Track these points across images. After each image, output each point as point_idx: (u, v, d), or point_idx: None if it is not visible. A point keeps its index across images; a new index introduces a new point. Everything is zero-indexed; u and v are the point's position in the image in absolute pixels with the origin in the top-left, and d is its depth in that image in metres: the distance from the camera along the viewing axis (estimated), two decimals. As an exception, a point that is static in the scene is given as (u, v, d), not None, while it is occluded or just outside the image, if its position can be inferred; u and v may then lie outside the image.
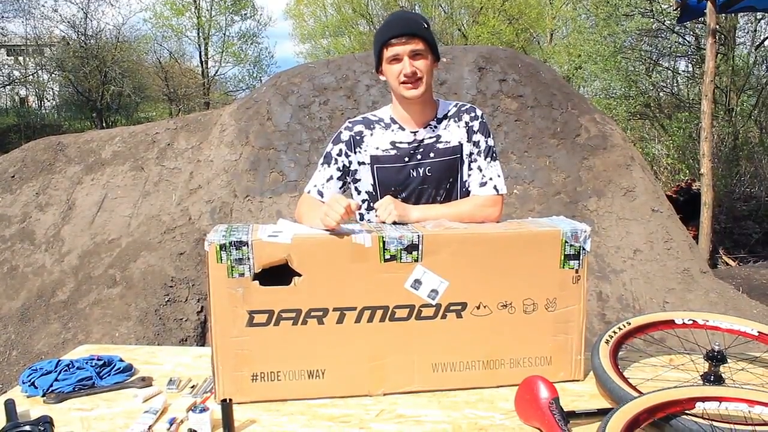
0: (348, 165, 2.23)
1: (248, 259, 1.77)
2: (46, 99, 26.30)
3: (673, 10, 11.60)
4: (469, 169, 2.24)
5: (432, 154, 2.20)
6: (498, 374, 1.92)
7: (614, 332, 2.04)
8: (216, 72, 29.05)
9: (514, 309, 1.91)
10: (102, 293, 4.62)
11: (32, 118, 22.71)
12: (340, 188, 2.25)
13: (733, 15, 11.39)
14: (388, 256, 1.82)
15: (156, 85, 26.61)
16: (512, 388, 1.80)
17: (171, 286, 4.58)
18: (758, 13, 11.80)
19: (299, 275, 1.80)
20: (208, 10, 27.74)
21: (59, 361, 2.09)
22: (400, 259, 1.83)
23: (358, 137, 2.22)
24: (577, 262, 1.93)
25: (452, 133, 2.21)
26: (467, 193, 2.24)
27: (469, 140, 2.22)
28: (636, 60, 14.00)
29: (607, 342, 1.95)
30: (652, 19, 13.00)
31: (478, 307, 1.89)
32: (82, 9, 23.45)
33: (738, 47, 12.71)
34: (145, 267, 4.80)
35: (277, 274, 1.81)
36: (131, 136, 6.27)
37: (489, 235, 1.90)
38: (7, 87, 24.41)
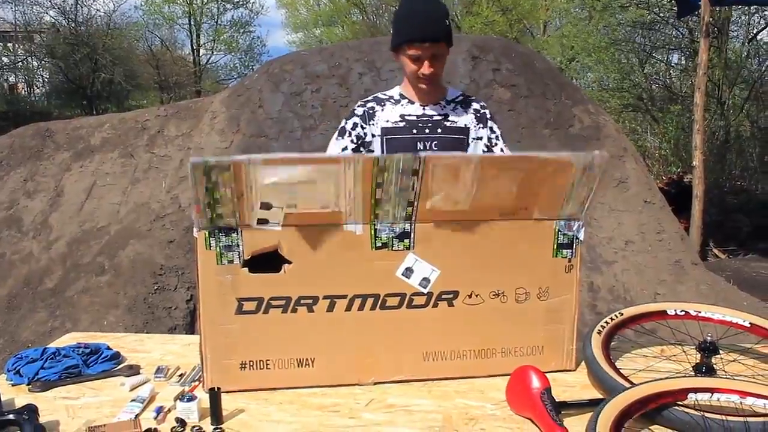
0: (363, 137, 2.31)
1: (237, 245, 1.75)
2: (36, 86, 26.00)
3: (669, 1, 11.60)
4: (490, 151, 2.36)
5: (440, 130, 2.30)
6: (489, 363, 1.91)
7: (606, 323, 2.03)
8: (208, 60, 28.87)
9: (506, 298, 1.90)
10: (90, 281, 4.59)
11: (22, 106, 22.43)
12: None
13: (726, 8, 11.40)
14: (379, 244, 1.80)
15: (147, 73, 26.38)
16: (504, 377, 1.78)
17: (160, 275, 4.55)
18: (752, 7, 11.82)
19: (289, 262, 1.78)
20: None
21: (45, 349, 2.06)
22: (392, 246, 1.81)
23: (371, 111, 2.32)
24: (570, 251, 1.92)
25: (459, 116, 2.34)
26: None
27: (483, 126, 2.35)
28: (630, 52, 14.02)
29: (599, 333, 1.94)
30: (647, 11, 13.00)
31: (470, 296, 1.87)
32: (72, -6, 23.01)
33: (731, 41, 12.72)
34: (134, 255, 4.77)
35: (267, 262, 1.78)
36: (121, 122, 6.21)
37: (481, 224, 1.89)
38: (-4, 73, 24.11)
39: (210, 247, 1.75)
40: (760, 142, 11.88)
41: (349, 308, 1.82)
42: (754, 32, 12.79)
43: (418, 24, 2.14)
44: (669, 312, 2.12)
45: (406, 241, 1.81)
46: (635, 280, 4.64)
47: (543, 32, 23.29)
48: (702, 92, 7.34)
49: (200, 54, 28.26)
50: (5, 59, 24.15)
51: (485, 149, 2.37)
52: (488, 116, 2.39)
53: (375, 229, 1.79)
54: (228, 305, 1.78)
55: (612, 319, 2.06)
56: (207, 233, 1.74)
